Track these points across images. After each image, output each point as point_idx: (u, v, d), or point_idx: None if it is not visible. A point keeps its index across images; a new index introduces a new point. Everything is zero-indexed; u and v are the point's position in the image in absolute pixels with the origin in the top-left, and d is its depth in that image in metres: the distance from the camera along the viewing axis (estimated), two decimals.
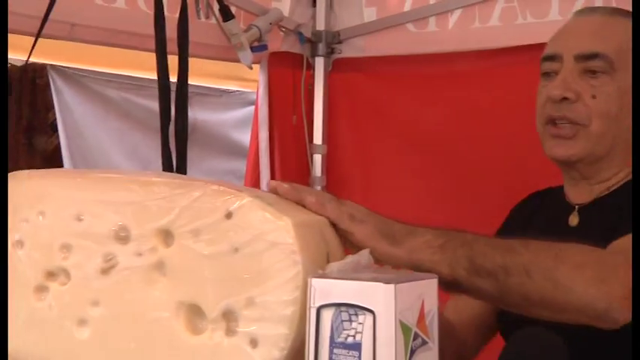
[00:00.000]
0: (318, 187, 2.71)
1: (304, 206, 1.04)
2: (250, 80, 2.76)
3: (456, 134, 2.54)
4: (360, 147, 2.72)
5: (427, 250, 1.08)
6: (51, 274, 1.02)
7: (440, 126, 2.58)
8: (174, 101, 1.79)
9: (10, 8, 1.88)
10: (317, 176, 2.71)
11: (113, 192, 1.00)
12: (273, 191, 1.06)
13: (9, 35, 1.90)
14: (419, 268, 1.09)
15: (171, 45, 1.97)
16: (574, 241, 1.40)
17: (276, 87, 2.64)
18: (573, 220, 1.47)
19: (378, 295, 0.81)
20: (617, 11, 1.51)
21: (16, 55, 2.47)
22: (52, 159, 3.37)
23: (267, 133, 2.62)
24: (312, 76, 2.69)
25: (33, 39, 1.97)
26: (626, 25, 1.45)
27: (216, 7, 2.31)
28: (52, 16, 1.93)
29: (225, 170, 3.29)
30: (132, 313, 0.98)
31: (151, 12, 2.04)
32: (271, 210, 0.93)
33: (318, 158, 2.71)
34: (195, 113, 3.43)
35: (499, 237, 1.57)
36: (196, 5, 2.27)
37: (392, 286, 0.81)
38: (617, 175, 1.47)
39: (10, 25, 1.92)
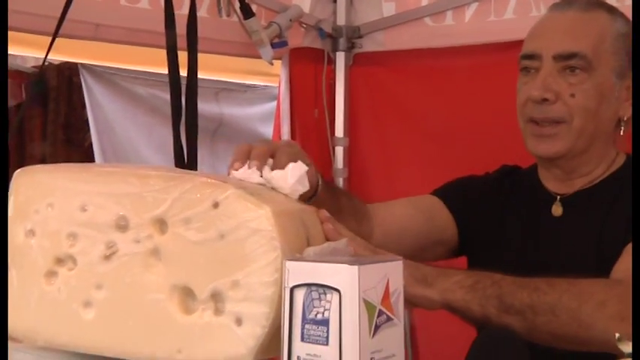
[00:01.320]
0: (341, 179, 2.79)
1: None
2: (275, 75, 2.84)
3: (474, 125, 2.58)
4: (380, 139, 2.78)
5: (459, 291, 1.17)
6: (59, 260, 1.12)
7: (459, 117, 2.62)
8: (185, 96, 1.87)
9: (34, 10, 2.00)
10: (339, 168, 2.78)
11: (114, 185, 1.09)
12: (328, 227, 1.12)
13: (42, 37, 2.02)
14: (451, 308, 1.18)
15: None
16: (559, 231, 1.45)
17: (298, 82, 2.71)
18: (557, 210, 1.51)
19: (343, 276, 0.88)
20: (593, 4, 1.53)
21: (51, 55, 2.59)
22: (87, 154, 3.50)
23: (289, 126, 2.69)
24: (333, 71, 2.77)
25: (65, 40, 2.08)
26: (602, 19, 1.48)
27: (237, 5, 2.40)
28: (77, 17, 2.03)
29: None
30: (131, 295, 1.07)
31: (176, 12, 2.13)
32: (253, 200, 1.01)
33: (340, 150, 2.78)
34: (222, 108, 3.53)
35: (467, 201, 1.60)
36: (218, 4, 2.36)
37: (356, 267, 0.88)
38: (598, 168, 1.51)
39: (37, 26, 2.05)
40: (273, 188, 1.11)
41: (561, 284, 1.18)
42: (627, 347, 0.71)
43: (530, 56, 1.49)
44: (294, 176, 1.11)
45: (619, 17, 1.52)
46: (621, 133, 1.50)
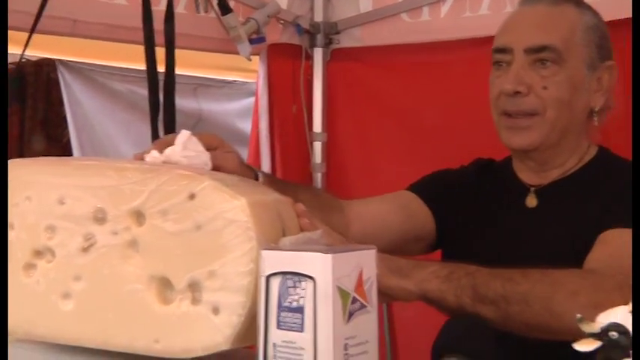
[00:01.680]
0: (319, 174, 2.81)
1: None
2: (253, 71, 2.86)
3: (450, 119, 2.61)
4: (358, 134, 2.81)
5: (434, 281, 1.19)
6: (38, 253, 1.13)
7: (435, 112, 2.65)
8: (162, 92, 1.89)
9: (14, 7, 1.99)
10: (317, 163, 2.80)
11: (91, 177, 1.10)
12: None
13: (19, 32, 2.02)
14: (427, 298, 1.20)
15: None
16: (533, 223, 1.48)
17: (276, 77, 2.73)
18: (531, 201, 1.54)
19: (318, 264, 0.90)
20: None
21: (28, 52, 2.59)
22: (66, 150, 3.50)
23: (268, 122, 2.71)
24: (311, 67, 2.79)
25: (42, 36, 2.08)
26: (571, 13, 1.51)
27: (215, 1, 2.41)
28: (54, 12, 2.04)
29: None
30: (110, 286, 1.08)
31: (154, 8, 2.14)
32: (229, 191, 1.03)
33: (318, 146, 2.81)
34: (201, 104, 3.55)
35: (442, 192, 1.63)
36: (195, 0, 2.37)
37: (329, 255, 0.90)
38: (571, 159, 1.53)
39: (15, 22, 2.04)
40: (175, 163, 1.15)
41: (534, 274, 1.21)
42: (588, 327, 0.73)
43: (501, 50, 1.52)
44: (179, 143, 1.14)
45: (587, 10, 1.55)
46: (595, 124, 1.53)
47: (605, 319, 0.73)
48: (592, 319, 1.13)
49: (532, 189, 1.55)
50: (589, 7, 1.56)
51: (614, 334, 0.71)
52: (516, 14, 1.58)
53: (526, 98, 1.48)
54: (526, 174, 1.57)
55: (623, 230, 1.32)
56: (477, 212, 1.59)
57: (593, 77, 1.51)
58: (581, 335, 1.15)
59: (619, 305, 1.15)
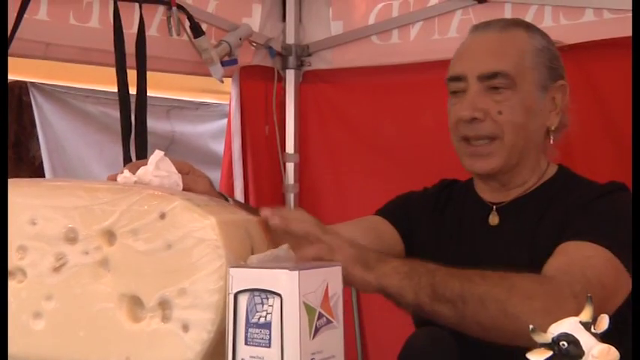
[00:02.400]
0: (292, 195, 2.83)
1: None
2: (226, 93, 2.88)
3: (421, 139, 2.64)
4: (330, 155, 2.84)
5: (395, 277, 1.21)
6: (9, 273, 1.14)
7: (405, 132, 2.69)
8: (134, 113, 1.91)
9: None
10: (290, 184, 2.83)
11: (63, 198, 1.12)
12: (265, 221, 1.17)
13: None
14: (386, 293, 1.22)
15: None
16: (495, 240, 1.52)
17: (249, 99, 2.76)
18: (494, 219, 1.57)
19: (284, 281, 0.93)
20: (511, 23, 1.61)
21: None
22: (38, 173, 3.49)
23: (240, 143, 2.73)
24: (283, 88, 2.82)
25: (16, 59, 2.10)
26: (520, 37, 1.55)
27: (187, 24, 2.44)
28: (27, 35, 2.05)
29: None
30: (81, 305, 1.10)
31: (126, 31, 2.16)
32: (199, 210, 1.05)
33: (290, 166, 2.83)
34: (174, 126, 3.56)
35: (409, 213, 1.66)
36: (168, 23, 2.39)
37: (296, 272, 0.93)
38: (532, 177, 1.57)
39: None
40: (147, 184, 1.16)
41: (493, 277, 1.23)
42: (541, 338, 0.76)
43: (456, 78, 1.56)
44: (152, 162, 1.16)
45: (536, 33, 1.58)
46: (551, 142, 1.57)
47: (555, 329, 0.76)
48: (545, 324, 1.17)
49: (494, 207, 1.58)
50: (538, 30, 1.60)
51: (564, 344, 0.74)
52: (468, 42, 1.61)
53: (483, 124, 1.52)
54: (488, 193, 1.61)
55: (583, 243, 1.36)
56: (441, 231, 1.62)
57: (546, 98, 1.55)
58: (533, 339, 1.19)
59: (572, 313, 1.19)
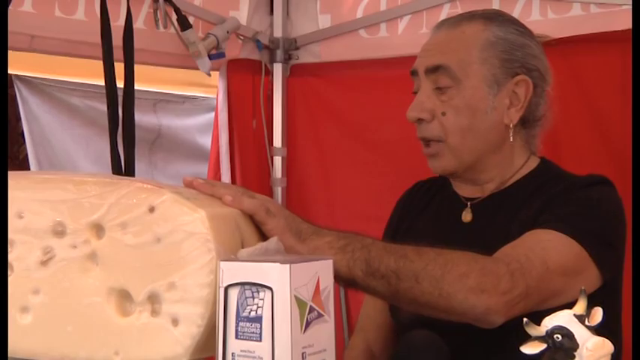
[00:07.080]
0: (279, 189, 2.83)
1: (221, 200, 1.14)
2: (213, 86, 2.87)
3: (408, 134, 2.63)
4: (318, 148, 2.83)
5: (329, 251, 1.18)
6: None
7: (393, 126, 2.67)
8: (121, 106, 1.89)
9: None
10: (277, 178, 2.82)
11: (50, 191, 1.11)
12: (189, 186, 1.16)
13: None
14: None
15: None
16: (468, 237, 1.50)
17: (236, 92, 2.75)
18: (467, 216, 1.54)
19: (275, 274, 0.92)
20: (467, 17, 1.56)
21: None
22: (23, 167, 3.46)
23: (227, 137, 2.72)
24: (271, 82, 2.81)
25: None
26: (470, 31, 1.51)
27: (174, 17, 2.42)
28: (12, 28, 2.02)
29: (190, 174, 3.31)
30: (69, 299, 1.09)
31: (113, 23, 2.14)
32: (189, 204, 1.04)
33: (278, 160, 2.83)
34: (160, 119, 3.54)
35: (392, 228, 1.65)
36: (155, 16, 2.37)
37: (287, 265, 0.92)
38: (506, 172, 1.53)
39: None
40: None
41: (429, 253, 1.23)
42: (534, 331, 0.76)
43: (412, 73, 1.55)
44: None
45: (494, 25, 1.51)
46: (510, 140, 1.51)
47: (550, 322, 0.76)
48: (480, 303, 1.17)
49: (469, 203, 1.55)
50: (503, 20, 1.54)
51: (558, 337, 0.74)
52: (428, 39, 1.60)
53: (430, 125, 1.50)
54: (463, 189, 1.58)
55: (544, 230, 1.34)
56: (417, 228, 1.61)
57: (501, 94, 1.49)
58: (466, 317, 1.19)
59: (505, 289, 1.19)
